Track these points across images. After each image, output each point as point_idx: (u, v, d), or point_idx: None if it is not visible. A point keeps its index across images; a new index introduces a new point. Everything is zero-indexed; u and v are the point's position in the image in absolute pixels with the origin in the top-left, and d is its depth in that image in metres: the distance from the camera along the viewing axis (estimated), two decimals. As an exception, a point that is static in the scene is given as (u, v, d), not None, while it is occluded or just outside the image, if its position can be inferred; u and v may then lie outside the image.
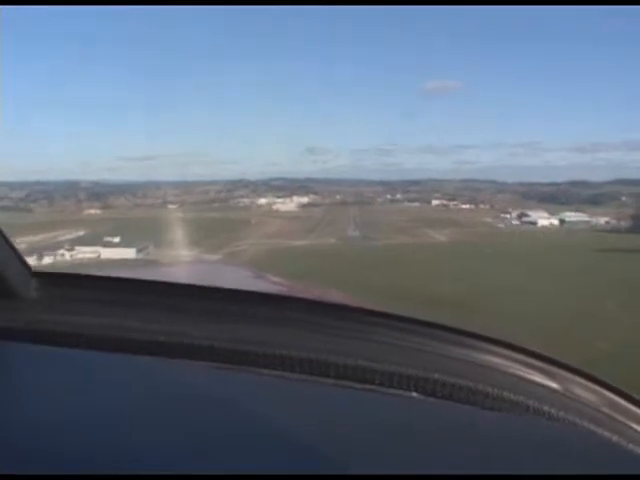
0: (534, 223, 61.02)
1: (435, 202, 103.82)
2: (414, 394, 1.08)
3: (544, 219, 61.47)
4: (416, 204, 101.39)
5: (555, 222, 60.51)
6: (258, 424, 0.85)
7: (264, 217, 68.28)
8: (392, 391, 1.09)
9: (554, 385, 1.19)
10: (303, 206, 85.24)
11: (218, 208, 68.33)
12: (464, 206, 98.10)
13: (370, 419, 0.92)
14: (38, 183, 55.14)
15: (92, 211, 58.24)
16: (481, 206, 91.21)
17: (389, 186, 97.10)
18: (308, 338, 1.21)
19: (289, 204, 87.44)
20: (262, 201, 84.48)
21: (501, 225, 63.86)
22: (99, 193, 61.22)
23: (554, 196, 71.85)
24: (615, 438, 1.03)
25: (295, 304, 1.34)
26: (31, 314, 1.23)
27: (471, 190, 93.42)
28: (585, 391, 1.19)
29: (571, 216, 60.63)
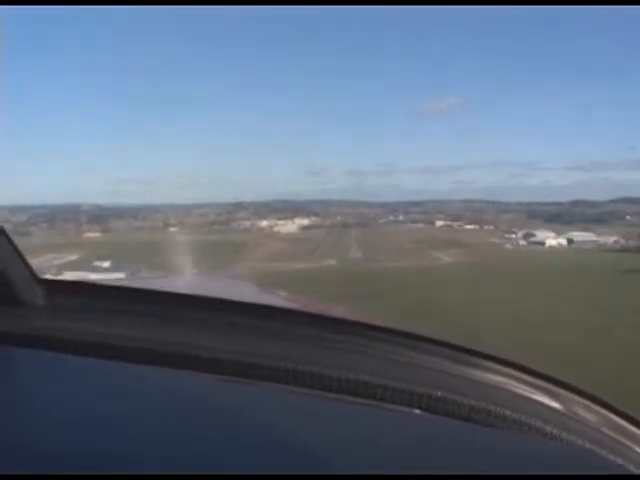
0: (542, 243, 59.71)
1: (439, 223, 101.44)
2: (416, 411, 1.06)
3: (551, 239, 60.26)
4: (420, 225, 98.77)
5: (563, 242, 59.32)
6: (260, 437, 0.85)
7: (265, 239, 67.51)
8: (394, 407, 1.07)
9: (557, 405, 1.16)
10: (304, 228, 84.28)
11: (218, 230, 68.91)
12: (468, 226, 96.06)
13: (372, 434, 0.92)
14: (39, 207, 56.21)
15: (91, 234, 57.41)
16: (485, 227, 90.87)
17: (390, 207, 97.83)
18: (312, 352, 1.19)
19: (290, 226, 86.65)
20: (263, 223, 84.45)
21: (508, 246, 62.59)
22: (100, 216, 60.53)
23: (558, 215, 72.32)
24: (619, 460, 1.01)
25: (300, 318, 1.34)
26: (36, 321, 1.23)
27: (473, 211, 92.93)
28: (588, 412, 1.16)
29: (579, 236, 59.51)
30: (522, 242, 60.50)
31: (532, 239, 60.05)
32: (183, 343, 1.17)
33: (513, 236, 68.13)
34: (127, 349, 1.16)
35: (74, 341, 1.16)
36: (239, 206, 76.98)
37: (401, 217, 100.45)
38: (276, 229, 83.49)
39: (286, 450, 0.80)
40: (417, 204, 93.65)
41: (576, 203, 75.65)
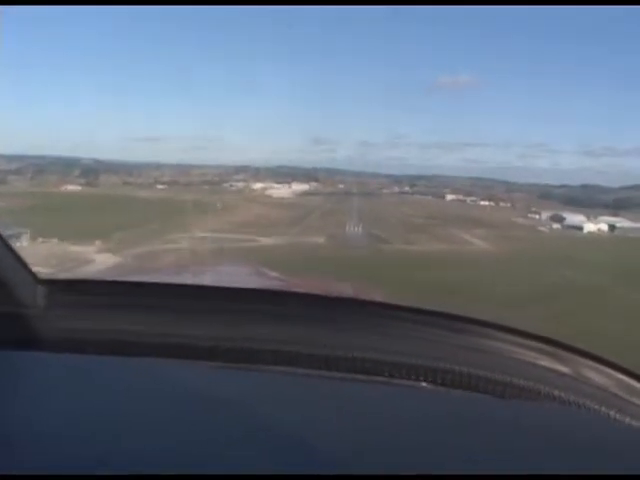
0: (579, 228, 49.76)
1: (450, 197, 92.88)
2: (423, 384, 1.07)
3: (590, 223, 50.70)
4: (428, 197, 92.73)
5: (603, 227, 50.15)
6: (270, 421, 0.84)
7: (247, 202, 58.42)
8: (401, 382, 1.08)
9: (564, 369, 1.16)
10: (300, 194, 78.33)
11: (206, 190, 63.47)
12: (482, 203, 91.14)
13: (379, 411, 0.90)
14: (37, 157, 55.01)
15: (71, 187, 54.68)
16: (501, 204, 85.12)
17: (395, 179, 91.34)
18: (315, 333, 1.20)
19: (285, 190, 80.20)
20: (257, 186, 78.95)
21: (543, 229, 51.37)
22: (97, 170, 59.23)
23: (572, 199, 67.12)
24: (627, 420, 1.01)
25: (301, 299, 1.34)
26: (38, 321, 1.23)
27: (481, 188, 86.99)
28: (595, 374, 1.16)
29: (616, 221, 51.35)
30: (555, 225, 51.34)
31: (566, 223, 51.77)
32: (186, 334, 1.16)
33: (537, 217, 60.44)
34: (128, 344, 1.15)
35: (77, 340, 1.15)
36: (242, 169, 75.61)
37: (407, 188, 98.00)
38: (268, 192, 77.41)
39: (296, 432, 0.79)
40: (423, 178, 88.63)
41: (586, 187, 72.65)
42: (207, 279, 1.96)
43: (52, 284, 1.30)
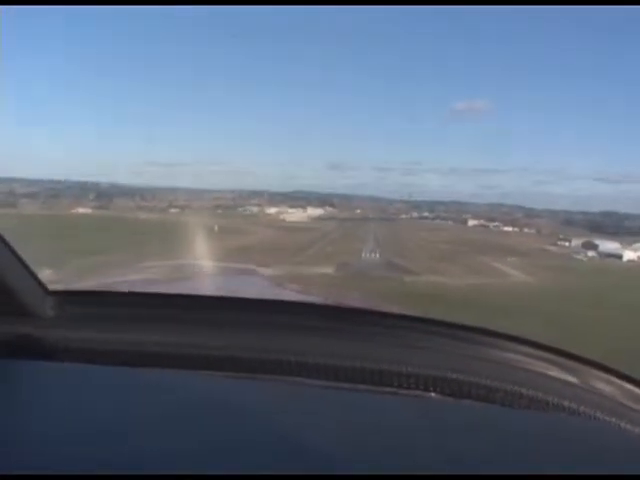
0: (618, 256, 45.36)
1: (472, 222, 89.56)
2: (432, 394, 1.07)
3: (630, 251, 45.84)
4: (449, 223, 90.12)
5: None
6: (277, 431, 0.85)
7: (254, 226, 54.55)
8: (410, 392, 1.07)
9: (573, 379, 1.14)
10: (315, 218, 77.14)
11: (218, 215, 63.50)
12: (506, 228, 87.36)
13: (388, 421, 0.91)
14: (55, 182, 58.30)
15: (81, 210, 56.00)
16: (525, 230, 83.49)
17: (413, 205, 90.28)
18: (326, 344, 1.19)
19: (299, 214, 79.23)
20: (272, 210, 78.79)
21: (579, 257, 46.58)
22: (111, 194, 61.48)
23: (599, 225, 66.22)
24: (637, 430, 1.01)
25: (313, 311, 1.37)
26: (47, 332, 1.23)
27: (500, 214, 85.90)
28: (604, 384, 1.14)
29: None
30: (590, 253, 46.77)
31: (599, 250, 47.36)
32: (197, 344, 1.16)
33: (567, 244, 56.77)
34: (138, 354, 1.14)
35: (86, 350, 1.16)
36: (258, 194, 78.07)
37: (426, 213, 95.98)
38: (282, 216, 76.67)
39: (306, 442, 0.80)
40: (441, 204, 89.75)
41: (606, 214, 72.99)
42: (217, 289, 1.85)
43: (61, 295, 1.33)
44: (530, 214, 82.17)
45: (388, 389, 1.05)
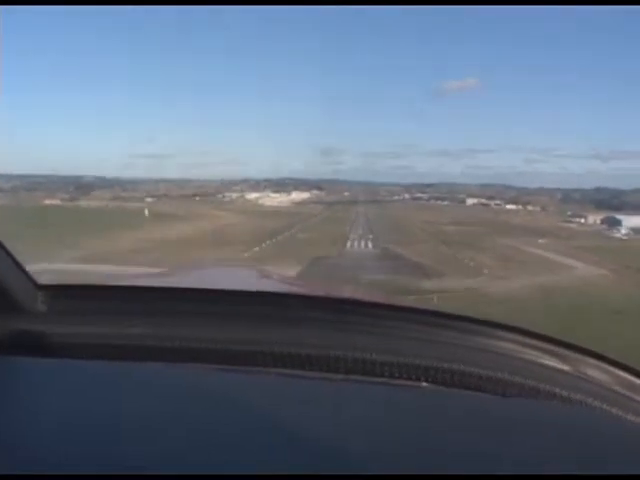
0: None
1: (471, 201, 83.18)
2: (424, 384, 1.06)
3: None
4: (445, 203, 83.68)
5: None
6: (270, 422, 0.85)
7: (220, 211, 46.68)
8: (402, 382, 1.06)
9: (566, 367, 1.13)
10: (299, 202, 71.81)
11: (193, 201, 62.50)
12: (509, 206, 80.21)
13: (380, 411, 0.91)
14: (39, 176, 63.10)
15: (47, 201, 57.16)
16: (529, 207, 78.18)
17: (404, 187, 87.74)
18: (314, 334, 1.17)
19: (284, 198, 73.62)
20: (252, 195, 73.95)
21: (618, 235, 38.78)
22: (88, 186, 65.37)
23: (602, 202, 65.49)
24: (630, 417, 0.99)
25: (302, 301, 1.35)
26: (38, 327, 1.21)
27: (495, 193, 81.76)
28: (597, 371, 1.13)
29: None
30: (624, 231, 39.88)
31: (628, 225, 41.14)
32: (189, 337, 1.15)
33: (582, 220, 53.04)
34: (129, 348, 1.14)
35: (77, 345, 1.14)
36: (243, 182, 77.82)
37: (420, 194, 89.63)
38: (261, 201, 71.18)
39: (298, 434, 0.81)
40: (431, 186, 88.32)
41: (600, 190, 74.58)
42: (208, 281, 1.80)
43: (52, 289, 1.31)
44: (523, 193, 79.30)
45: (379, 379, 1.05)
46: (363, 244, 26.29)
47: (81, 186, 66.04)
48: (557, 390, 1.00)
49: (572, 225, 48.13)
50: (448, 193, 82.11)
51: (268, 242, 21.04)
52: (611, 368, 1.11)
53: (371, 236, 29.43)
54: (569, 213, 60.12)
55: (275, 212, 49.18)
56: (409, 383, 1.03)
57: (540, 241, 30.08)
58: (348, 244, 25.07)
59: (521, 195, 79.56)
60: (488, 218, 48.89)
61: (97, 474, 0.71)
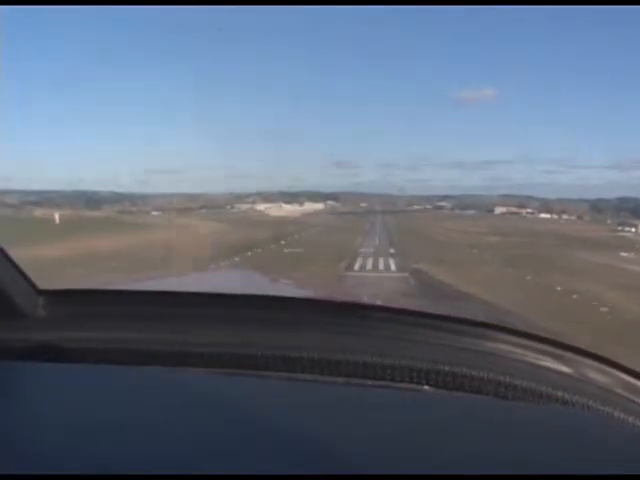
0: None
1: (499, 209, 77.69)
2: (425, 387, 1.05)
3: None
4: (471, 212, 77.22)
5: None
6: (272, 426, 0.84)
7: (212, 222, 41.09)
8: (403, 385, 1.05)
9: (566, 369, 1.12)
10: (310, 213, 66.25)
11: (204, 214, 60.20)
12: (543, 215, 74.02)
13: (380, 414, 0.88)
14: (56, 192, 65.34)
15: (37, 213, 56.46)
16: (564, 216, 71.77)
17: (423, 198, 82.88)
18: (315, 338, 1.16)
19: (292, 209, 69.61)
20: (262, 206, 71.13)
21: None
22: (102, 200, 67.01)
23: (634, 211, 61.63)
24: (631, 419, 0.98)
25: (302, 305, 1.34)
26: (39, 332, 1.20)
27: (516, 204, 77.81)
28: (598, 373, 1.12)
29: None
30: None
31: None
32: (190, 341, 1.14)
33: (633, 229, 48.64)
34: (130, 352, 1.12)
35: (79, 349, 1.13)
36: (256, 194, 78.67)
37: (441, 203, 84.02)
38: (268, 211, 67.44)
39: (298, 438, 0.80)
40: (450, 197, 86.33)
41: (624, 200, 72.96)
42: (208, 285, 1.81)
43: (53, 294, 1.28)
44: (544, 203, 77.60)
45: (381, 382, 1.04)
46: (382, 264, 16.11)
47: (91, 200, 66.88)
48: (558, 392, 0.99)
49: (627, 235, 43.75)
50: (471, 203, 78.58)
51: (225, 262, 13.25)
52: (611, 370, 1.08)
53: (392, 250, 20.50)
54: (616, 221, 56.23)
55: (276, 221, 44.59)
56: (411, 386, 1.02)
57: (623, 254, 23.17)
58: (357, 264, 16.37)
59: (549, 204, 76.71)
60: (529, 227, 42.44)
61: (96, 473, 0.69)
